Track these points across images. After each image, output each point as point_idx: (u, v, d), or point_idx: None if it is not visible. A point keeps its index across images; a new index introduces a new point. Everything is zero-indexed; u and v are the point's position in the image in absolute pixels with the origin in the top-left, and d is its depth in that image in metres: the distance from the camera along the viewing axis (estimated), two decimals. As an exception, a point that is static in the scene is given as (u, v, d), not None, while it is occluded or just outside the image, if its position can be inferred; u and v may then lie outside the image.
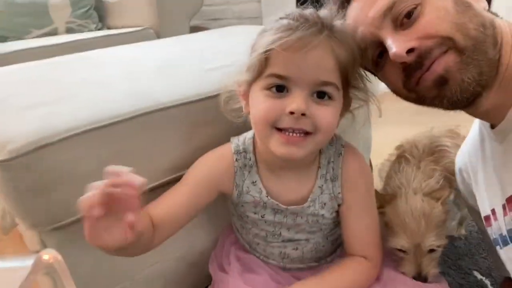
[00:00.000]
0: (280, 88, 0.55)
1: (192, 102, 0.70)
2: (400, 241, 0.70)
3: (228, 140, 0.70)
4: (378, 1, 0.56)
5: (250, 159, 0.66)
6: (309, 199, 0.66)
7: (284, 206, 0.66)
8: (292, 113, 0.53)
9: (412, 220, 0.69)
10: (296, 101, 0.53)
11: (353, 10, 0.61)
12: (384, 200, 0.74)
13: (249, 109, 0.61)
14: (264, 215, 0.67)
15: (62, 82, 0.81)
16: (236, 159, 0.66)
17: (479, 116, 0.63)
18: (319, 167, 0.66)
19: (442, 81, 0.53)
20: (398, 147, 0.91)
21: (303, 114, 0.53)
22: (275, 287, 0.68)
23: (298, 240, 0.70)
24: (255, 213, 0.68)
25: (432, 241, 0.69)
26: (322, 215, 0.67)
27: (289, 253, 0.71)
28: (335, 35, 0.56)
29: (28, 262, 0.36)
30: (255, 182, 0.66)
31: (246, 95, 0.61)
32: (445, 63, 0.53)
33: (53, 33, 1.75)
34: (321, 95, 0.56)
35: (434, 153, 0.84)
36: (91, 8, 1.85)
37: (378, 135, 1.21)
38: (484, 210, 0.66)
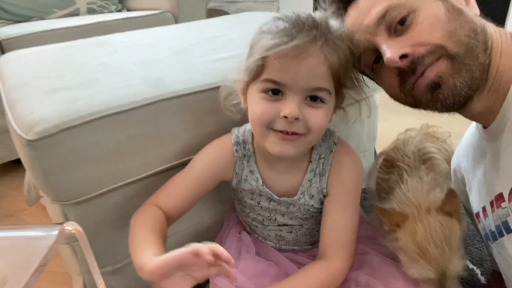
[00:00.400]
0: (276, 92, 0.59)
1: (202, 91, 0.75)
2: (425, 272, 0.63)
3: (232, 126, 0.74)
4: (372, 9, 0.59)
5: (249, 150, 0.71)
6: (299, 192, 0.70)
7: (277, 197, 0.71)
8: (286, 117, 0.57)
9: (434, 247, 0.62)
10: (290, 106, 0.57)
11: (349, 18, 0.63)
12: (394, 222, 0.66)
13: (247, 106, 0.65)
14: (260, 201, 0.73)
15: (84, 66, 0.86)
16: (236, 149, 0.71)
17: (472, 118, 0.65)
18: (310, 161, 0.70)
19: (435, 86, 0.56)
20: (380, 155, 0.88)
21: (296, 119, 0.58)
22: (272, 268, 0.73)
23: (292, 225, 0.75)
24: (252, 199, 0.73)
25: (458, 265, 0.63)
26: (312, 205, 0.71)
27: (284, 235, 0.76)
28: (329, 42, 0.58)
29: (52, 232, 0.39)
30: (253, 171, 0.71)
31: (244, 91, 0.65)
32: (437, 69, 0.55)
33: (75, 13, 1.80)
34: (313, 98, 0.59)
35: (426, 160, 0.80)
36: (111, -11, 1.89)
37: (386, 125, 1.24)
38: (476, 208, 0.69)
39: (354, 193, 0.70)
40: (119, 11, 1.90)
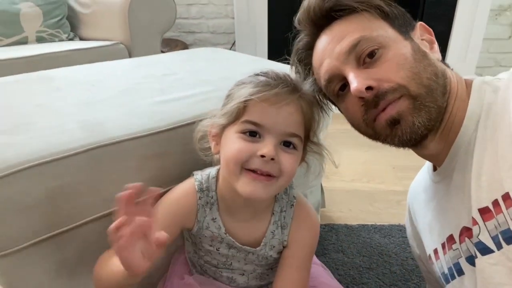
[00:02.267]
0: (253, 134, 0.62)
1: (143, 136, 0.74)
2: None
3: (175, 171, 0.75)
4: (345, 38, 0.62)
5: (212, 197, 0.71)
6: (262, 243, 0.72)
7: (240, 245, 0.71)
8: (263, 156, 0.60)
9: None
10: (267, 146, 0.60)
11: (321, 43, 0.66)
12: None
13: (218, 149, 0.67)
14: (219, 248, 0.73)
15: (20, 107, 0.83)
16: (199, 197, 0.70)
17: (425, 157, 0.68)
18: (272, 213, 0.72)
19: (395, 121, 0.59)
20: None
21: (272, 159, 0.60)
22: None
23: (246, 270, 0.76)
24: (211, 246, 0.73)
25: None
26: (271, 255, 0.73)
27: (236, 278, 0.76)
28: (305, 97, 0.65)
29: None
30: (215, 219, 0.71)
31: (217, 136, 0.67)
32: (399, 107, 0.58)
33: (23, 42, 1.75)
34: (287, 144, 0.63)
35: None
36: (63, 18, 1.86)
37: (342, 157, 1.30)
38: (428, 250, 0.71)
39: (311, 249, 0.74)
40: (70, 39, 1.87)
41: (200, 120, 0.72)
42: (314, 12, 0.66)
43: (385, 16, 0.63)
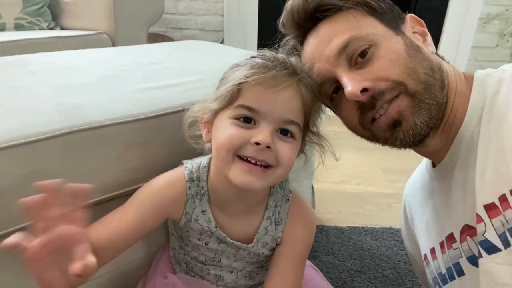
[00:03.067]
0: (248, 120, 0.56)
1: (124, 122, 0.68)
2: None
3: (160, 162, 0.69)
4: (333, 40, 0.59)
5: (202, 188, 0.65)
6: (255, 240, 0.66)
7: (231, 240, 0.66)
8: (258, 144, 0.54)
9: None
10: (263, 133, 0.54)
11: (309, 46, 0.63)
12: None
13: (210, 137, 0.61)
14: (208, 242, 0.67)
15: (-9, 88, 0.76)
16: (189, 187, 0.64)
17: (425, 155, 0.66)
18: (266, 208, 0.67)
19: (396, 123, 0.56)
20: None
21: (268, 147, 0.54)
22: None
23: (235, 267, 0.70)
24: (199, 240, 0.67)
25: None
26: (263, 252, 0.68)
27: (224, 275, 0.71)
28: (304, 81, 0.58)
29: None
30: (205, 211, 0.65)
31: (209, 123, 0.61)
32: (398, 107, 0.55)
33: (1, 28, 1.65)
34: (284, 132, 0.57)
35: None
36: (44, 6, 1.77)
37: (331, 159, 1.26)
38: (423, 249, 0.68)
39: (306, 247, 0.69)
40: (51, 28, 1.78)
41: (190, 107, 0.67)
42: (298, 14, 0.63)
43: (373, 12, 0.60)
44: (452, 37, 2.42)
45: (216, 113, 0.60)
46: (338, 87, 0.60)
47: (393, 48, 0.57)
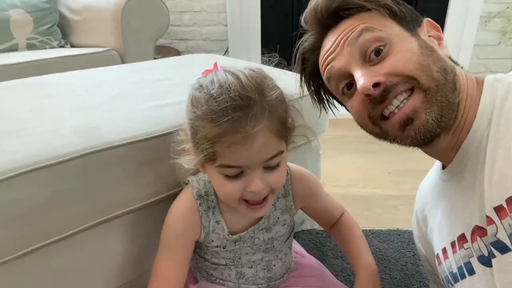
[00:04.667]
0: (236, 174, 0.60)
1: (138, 141, 0.73)
2: None
3: (170, 175, 0.73)
4: (350, 33, 0.61)
5: (212, 201, 0.71)
6: (264, 217, 0.73)
7: (244, 233, 0.72)
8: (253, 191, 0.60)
9: None
10: (254, 182, 0.59)
11: (328, 41, 0.65)
12: None
13: (205, 171, 0.65)
14: (225, 246, 0.73)
15: (13, 112, 0.81)
16: (200, 204, 0.70)
17: (435, 156, 0.67)
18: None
19: (408, 121, 0.57)
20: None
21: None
22: None
23: (253, 261, 0.76)
24: (217, 246, 0.73)
25: None
26: (276, 231, 0.75)
27: (245, 272, 0.76)
28: (266, 111, 0.56)
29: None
30: (219, 221, 0.71)
31: (202, 165, 0.64)
32: (413, 103, 0.56)
33: (13, 49, 1.72)
34: (271, 166, 0.61)
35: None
36: (54, 25, 1.83)
37: (327, 163, 1.28)
38: (436, 249, 0.69)
39: (319, 189, 0.81)
40: (61, 46, 1.84)
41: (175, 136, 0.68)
42: (321, 12, 0.65)
43: (393, 15, 0.62)
44: (454, 36, 2.43)
45: (202, 163, 0.63)
46: (351, 83, 0.62)
47: (408, 47, 0.59)
